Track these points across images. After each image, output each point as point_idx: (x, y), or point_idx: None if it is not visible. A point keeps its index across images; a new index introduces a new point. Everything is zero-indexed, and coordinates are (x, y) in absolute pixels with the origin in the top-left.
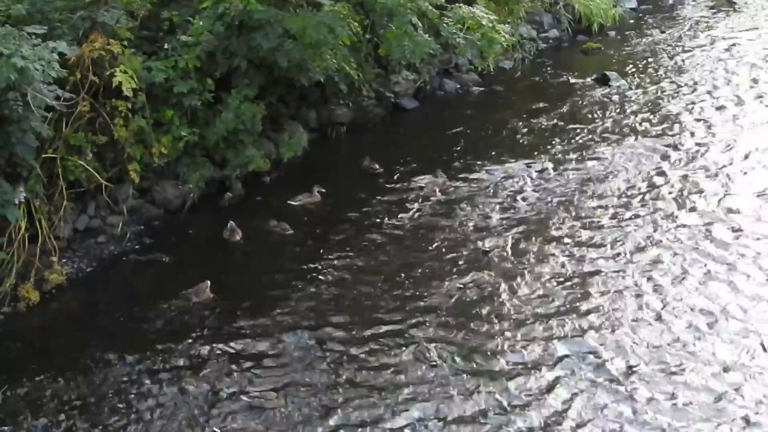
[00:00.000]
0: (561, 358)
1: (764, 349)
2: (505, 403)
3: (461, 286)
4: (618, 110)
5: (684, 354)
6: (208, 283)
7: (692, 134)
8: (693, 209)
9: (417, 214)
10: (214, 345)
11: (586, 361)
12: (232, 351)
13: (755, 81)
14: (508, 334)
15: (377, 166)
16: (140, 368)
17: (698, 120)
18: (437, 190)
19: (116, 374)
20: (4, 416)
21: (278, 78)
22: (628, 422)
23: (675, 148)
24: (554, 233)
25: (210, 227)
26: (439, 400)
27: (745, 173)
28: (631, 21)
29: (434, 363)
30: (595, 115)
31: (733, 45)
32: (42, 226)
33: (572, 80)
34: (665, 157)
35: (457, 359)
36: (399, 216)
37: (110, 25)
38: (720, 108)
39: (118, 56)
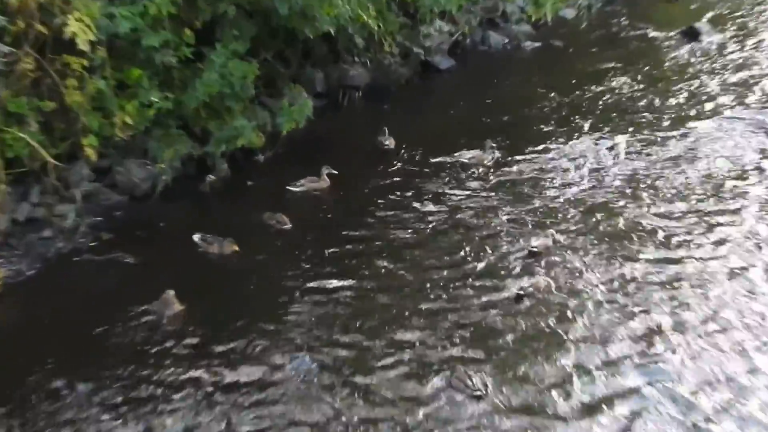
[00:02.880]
0: (634, 392)
1: None
2: None
3: (506, 296)
4: (711, 72)
5: None
6: (172, 293)
7: None
8: None
9: (452, 202)
10: (190, 371)
11: (666, 395)
12: (213, 379)
13: None
14: (568, 358)
15: (388, 143)
16: (95, 400)
17: None
18: (486, 165)
19: (64, 408)
20: None
21: (276, 29)
22: None
23: None
24: (627, 229)
25: (187, 219)
26: None
27: None
28: None
29: (478, 394)
30: (682, 79)
31: None
32: None
33: (652, 34)
34: None
35: (504, 390)
36: (429, 205)
37: None
38: None
39: (72, 0)
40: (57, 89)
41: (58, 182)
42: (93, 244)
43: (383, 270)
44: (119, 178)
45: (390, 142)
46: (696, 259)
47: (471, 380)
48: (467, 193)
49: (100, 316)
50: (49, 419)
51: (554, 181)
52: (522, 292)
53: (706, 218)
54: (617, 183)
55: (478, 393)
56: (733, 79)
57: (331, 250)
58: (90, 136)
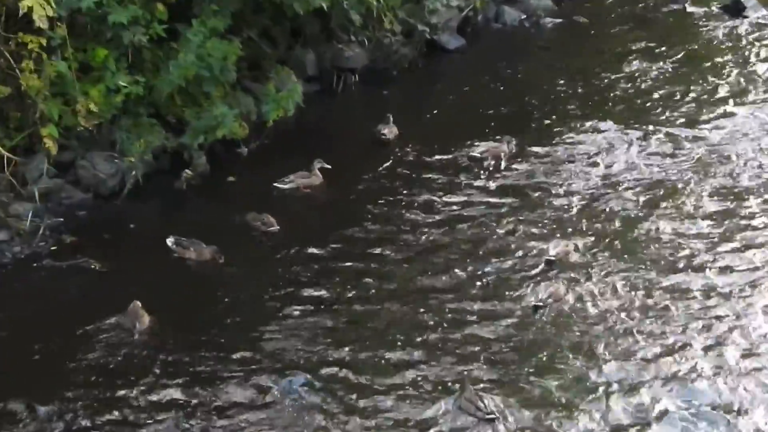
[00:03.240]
0: (664, 415)
1: None
2: None
3: (521, 308)
4: (756, 53)
5: None
6: (139, 304)
7: None
8: None
9: (461, 202)
10: (164, 392)
11: (701, 419)
12: (190, 402)
13: None
14: (590, 377)
15: (386, 132)
16: (57, 424)
17: None
18: (501, 160)
19: None
20: None
21: (261, 3)
22: None
23: None
24: (656, 236)
25: (160, 219)
26: None
27: None
28: None
29: (490, 417)
30: (722, 60)
31: None
32: None
33: (690, 9)
34: None
35: (520, 413)
36: (435, 205)
37: None
38: None
39: None
40: (11, 72)
41: (13, 178)
42: (54, 248)
43: (382, 278)
44: (83, 174)
45: (389, 132)
46: (735, 270)
47: (482, 402)
48: (477, 192)
49: (63, 329)
50: None
51: (576, 180)
52: (540, 303)
53: (745, 224)
54: (647, 183)
55: (491, 416)
56: None
57: (324, 254)
58: (49, 125)
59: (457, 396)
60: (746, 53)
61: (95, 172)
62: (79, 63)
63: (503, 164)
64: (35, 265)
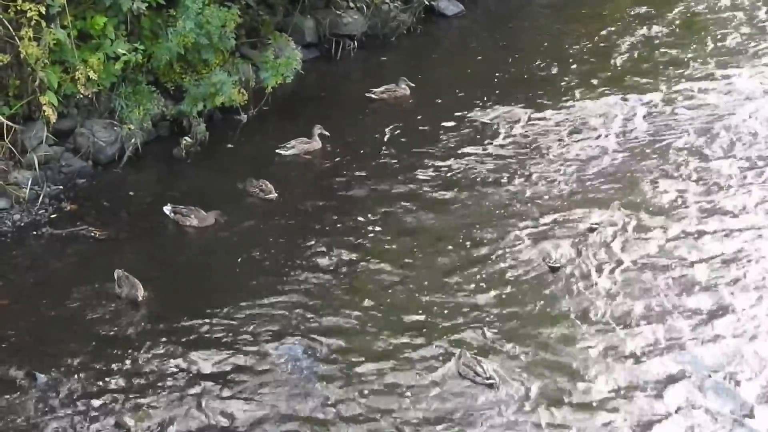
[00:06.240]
0: (674, 380)
1: None
2: None
3: (533, 272)
4: (762, 14)
5: None
6: (139, 284)
7: None
8: None
9: (467, 167)
10: (164, 359)
11: (710, 383)
12: (190, 368)
13: None
14: (599, 341)
15: (375, 92)
16: (57, 392)
17: None
18: (514, 125)
19: (24, 401)
20: None
21: None
22: None
23: None
24: (669, 196)
25: (159, 187)
26: None
27: None
28: None
29: (490, 382)
30: (727, 22)
31: None
32: None
33: None
34: None
35: (524, 378)
36: (439, 170)
37: None
38: None
39: None
40: (11, 40)
41: (12, 146)
42: (53, 216)
43: (384, 245)
44: (82, 142)
45: (379, 93)
46: (743, 233)
47: (481, 367)
48: (486, 156)
49: (62, 297)
50: (4, 414)
51: (581, 138)
52: (556, 265)
53: (750, 191)
54: (653, 142)
55: (490, 381)
56: None
57: (323, 221)
58: (49, 93)
59: (456, 361)
60: (749, 14)
61: (94, 139)
62: (78, 31)
63: (514, 129)
64: (35, 233)
